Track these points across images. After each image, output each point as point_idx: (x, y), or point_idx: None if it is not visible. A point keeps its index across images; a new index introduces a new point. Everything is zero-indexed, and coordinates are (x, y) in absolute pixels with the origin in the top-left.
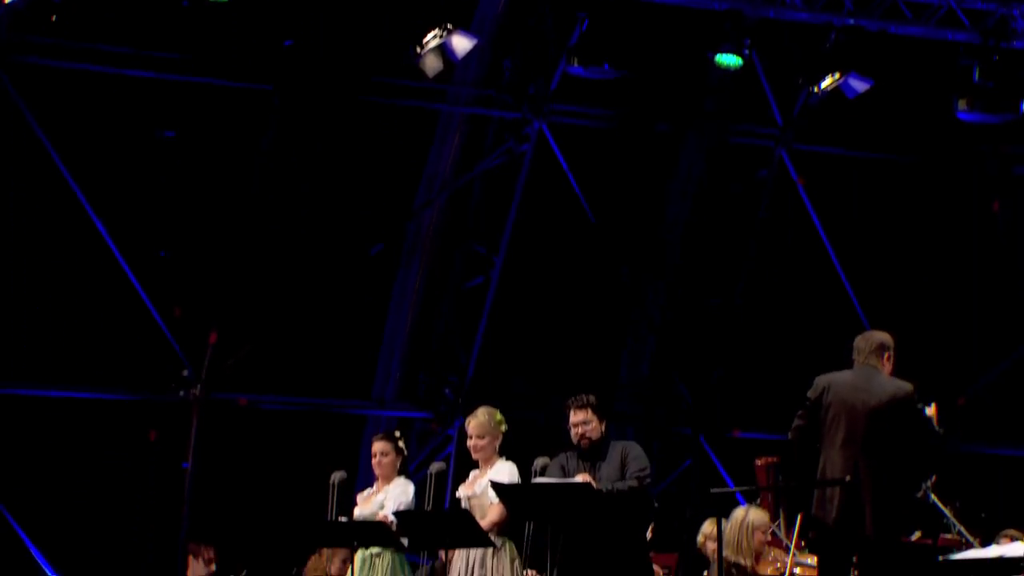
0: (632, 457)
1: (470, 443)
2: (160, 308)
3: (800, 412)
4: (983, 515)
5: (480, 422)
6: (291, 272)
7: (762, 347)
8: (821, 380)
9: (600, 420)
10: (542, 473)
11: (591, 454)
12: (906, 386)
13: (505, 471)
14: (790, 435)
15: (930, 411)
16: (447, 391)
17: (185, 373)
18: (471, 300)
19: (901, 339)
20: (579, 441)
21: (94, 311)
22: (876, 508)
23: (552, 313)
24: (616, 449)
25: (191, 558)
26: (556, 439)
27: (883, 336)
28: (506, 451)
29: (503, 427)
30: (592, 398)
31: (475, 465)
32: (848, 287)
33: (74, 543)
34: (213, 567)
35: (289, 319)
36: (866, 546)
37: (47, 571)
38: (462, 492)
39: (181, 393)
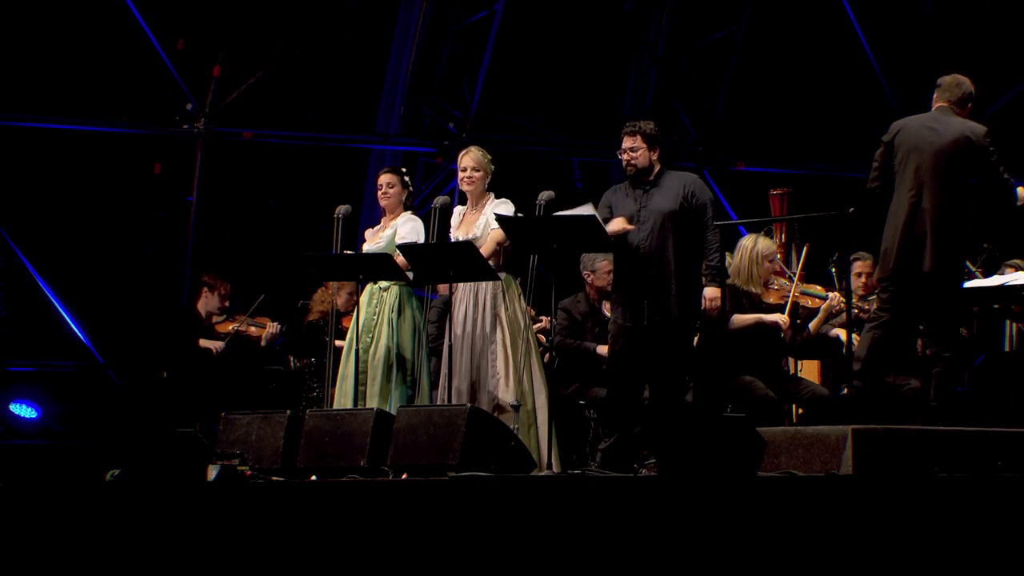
0: (700, 199)
1: (464, 175)
2: (163, 41)
3: (876, 156)
4: (985, 246)
5: (476, 156)
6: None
7: (766, 79)
8: (896, 123)
9: (650, 148)
10: (547, 206)
11: (638, 181)
12: (979, 128)
13: (505, 205)
14: (869, 183)
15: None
16: (451, 126)
17: (189, 107)
18: (475, 34)
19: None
20: (627, 167)
21: (98, 43)
22: (936, 245)
23: (555, 47)
24: (674, 179)
25: (205, 290)
26: (558, 173)
27: (968, 82)
28: (504, 187)
29: (491, 167)
30: (644, 125)
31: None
32: (852, 16)
33: (82, 276)
34: (227, 303)
35: (293, 52)
36: (925, 283)
37: (57, 305)
38: (458, 235)
39: (185, 126)
